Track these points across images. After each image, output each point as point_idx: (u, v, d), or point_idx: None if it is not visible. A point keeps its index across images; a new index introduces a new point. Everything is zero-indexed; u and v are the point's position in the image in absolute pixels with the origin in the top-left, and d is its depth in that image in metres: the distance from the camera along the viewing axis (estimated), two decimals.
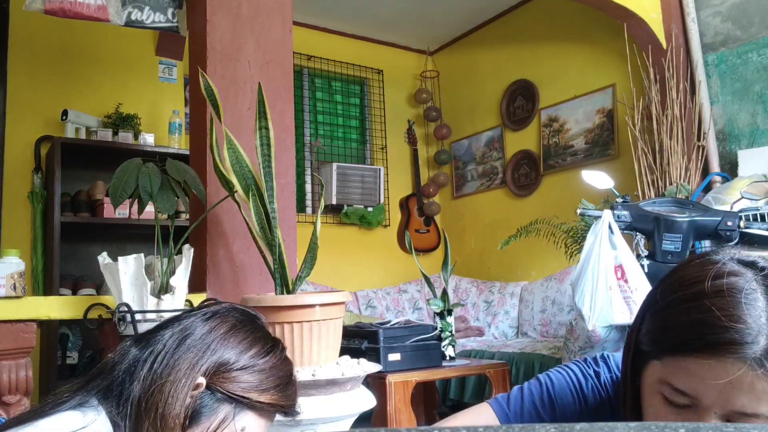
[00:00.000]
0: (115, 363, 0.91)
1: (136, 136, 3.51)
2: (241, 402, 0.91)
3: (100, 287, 3.25)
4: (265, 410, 0.94)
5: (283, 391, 0.97)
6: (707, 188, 3.06)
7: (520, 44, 4.58)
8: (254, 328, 0.99)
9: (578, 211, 2.16)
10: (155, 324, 1.00)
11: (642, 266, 1.95)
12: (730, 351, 0.69)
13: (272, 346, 0.99)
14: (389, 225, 4.98)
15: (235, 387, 0.91)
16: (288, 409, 0.99)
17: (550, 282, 4.00)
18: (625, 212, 2.02)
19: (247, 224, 1.61)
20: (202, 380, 0.89)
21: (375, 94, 5.12)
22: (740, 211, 2.23)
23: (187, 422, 0.87)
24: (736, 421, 0.69)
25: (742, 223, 1.95)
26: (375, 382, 2.15)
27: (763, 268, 0.74)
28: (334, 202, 4.55)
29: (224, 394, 0.90)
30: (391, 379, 2.17)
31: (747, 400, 0.69)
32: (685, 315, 0.74)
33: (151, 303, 1.51)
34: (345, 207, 4.65)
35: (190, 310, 1.00)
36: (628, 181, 3.35)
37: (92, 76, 3.55)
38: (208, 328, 0.94)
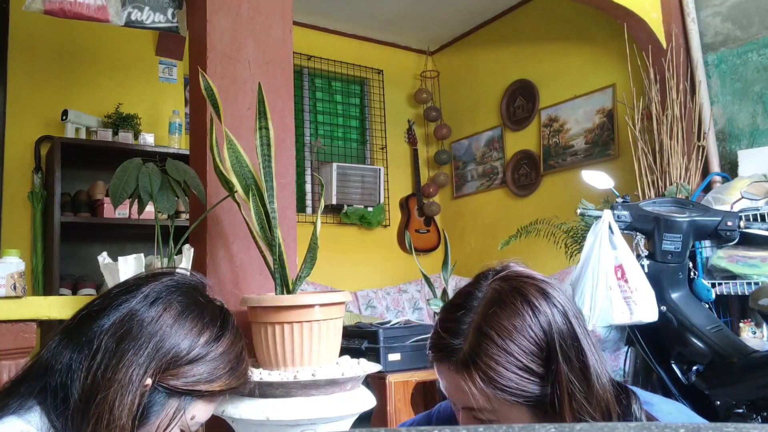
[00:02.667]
0: (48, 364, 0.83)
1: (136, 136, 3.51)
2: (191, 394, 0.86)
3: (100, 287, 3.25)
4: (216, 396, 0.90)
5: (234, 373, 0.91)
6: (707, 188, 3.06)
7: (520, 44, 4.58)
8: (201, 310, 0.90)
9: (578, 211, 2.16)
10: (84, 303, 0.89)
11: (642, 266, 1.95)
12: (441, 355, 0.81)
13: (221, 326, 0.91)
14: (389, 225, 4.98)
15: (185, 382, 0.85)
16: (239, 387, 0.94)
17: None
18: (625, 212, 2.02)
19: (247, 224, 1.61)
20: (149, 381, 0.83)
21: (375, 94, 5.12)
22: (740, 211, 2.23)
23: (135, 424, 0.82)
24: (475, 415, 0.78)
25: (742, 223, 1.95)
26: (375, 382, 2.15)
27: (502, 277, 0.84)
28: (334, 202, 4.55)
29: (174, 390, 0.84)
30: (391, 379, 2.17)
31: (462, 397, 0.78)
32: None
33: None
34: (345, 207, 4.65)
35: (126, 285, 0.88)
36: (628, 181, 3.35)
37: (92, 76, 3.55)
38: (151, 317, 0.84)
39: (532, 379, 0.78)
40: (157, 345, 0.84)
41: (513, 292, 0.82)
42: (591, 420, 0.76)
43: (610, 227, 1.95)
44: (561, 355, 0.78)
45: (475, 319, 0.81)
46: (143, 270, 1.52)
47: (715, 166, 3.17)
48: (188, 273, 0.97)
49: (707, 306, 2.23)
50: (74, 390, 0.80)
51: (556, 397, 0.77)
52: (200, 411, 0.88)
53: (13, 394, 0.81)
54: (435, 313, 2.49)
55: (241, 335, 0.96)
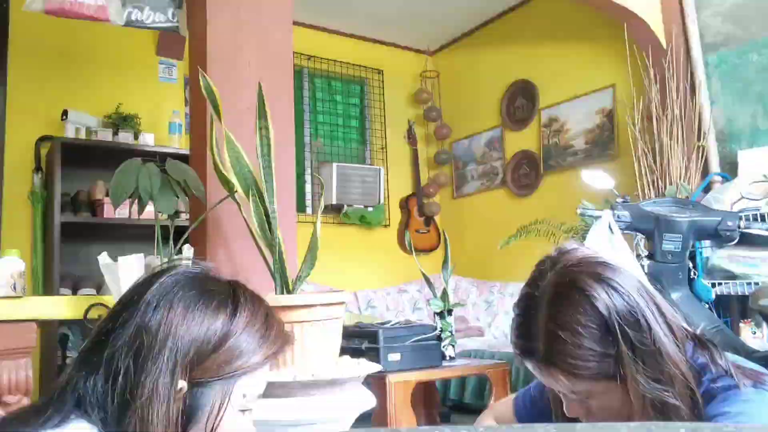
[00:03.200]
0: (71, 390, 0.79)
1: (136, 136, 3.51)
2: (229, 377, 0.83)
3: (100, 287, 3.25)
4: (258, 367, 0.86)
5: (266, 340, 0.88)
6: (707, 188, 3.06)
7: (520, 44, 4.58)
8: (209, 297, 0.86)
9: (578, 211, 2.16)
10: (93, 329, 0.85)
11: (642, 266, 1.95)
12: (526, 357, 0.90)
13: (233, 300, 0.88)
14: (389, 225, 4.98)
15: (219, 368, 0.82)
16: (280, 350, 0.90)
17: None
18: (625, 212, 2.02)
19: (247, 224, 1.61)
20: (182, 384, 0.80)
21: (375, 94, 5.12)
22: (740, 211, 2.23)
23: (182, 429, 0.80)
24: (573, 396, 0.89)
25: (742, 223, 1.95)
26: (375, 382, 2.14)
27: (558, 272, 0.91)
28: (334, 202, 4.54)
29: (210, 381, 0.82)
30: (391, 379, 2.17)
31: (560, 385, 0.88)
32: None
33: None
34: (345, 207, 4.64)
35: (129, 297, 0.85)
36: (628, 181, 3.35)
37: (92, 76, 3.55)
38: (158, 322, 0.81)
39: (607, 360, 0.84)
40: (174, 347, 0.80)
41: (569, 286, 0.88)
42: (668, 397, 0.83)
43: (610, 227, 1.95)
44: (622, 336, 0.83)
45: (543, 322, 0.88)
46: (143, 270, 1.52)
47: (715, 166, 3.17)
48: (189, 264, 0.94)
49: (707, 306, 2.23)
50: (107, 416, 0.77)
51: (623, 374, 0.83)
52: (249, 386, 0.85)
53: (44, 412, 0.77)
54: (435, 313, 2.49)
55: (261, 300, 0.93)
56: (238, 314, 0.87)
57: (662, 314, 0.88)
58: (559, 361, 0.85)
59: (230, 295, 0.89)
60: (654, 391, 0.83)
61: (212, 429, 0.82)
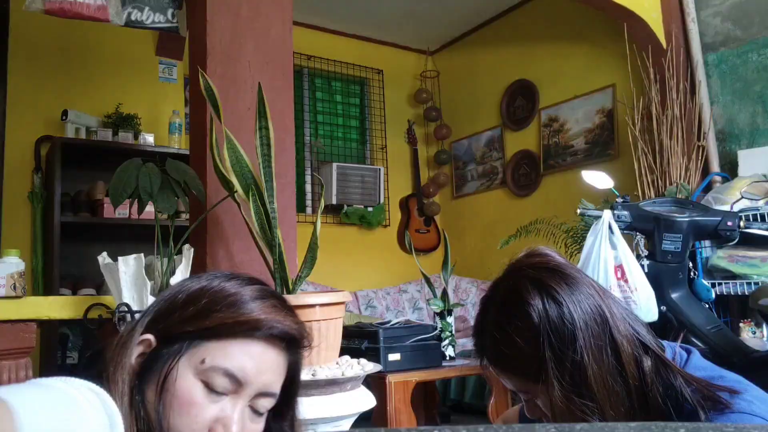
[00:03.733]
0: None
1: (136, 136, 3.51)
2: (193, 337, 0.78)
3: (100, 287, 3.25)
4: (228, 335, 0.79)
5: (232, 309, 0.80)
6: (707, 188, 3.06)
7: (520, 44, 4.58)
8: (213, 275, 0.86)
9: (578, 211, 2.16)
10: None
11: (642, 266, 1.94)
12: (479, 355, 0.96)
13: (220, 276, 0.86)
14: (389, 225, 4.98)
15: (182, 324, 0.79)
16: (264, 330, 0.80)
17: None
18: (625, 212, 2.02)
19: (247, 224, 1.61)
20: (147, 336, 0.80)
21: (375, 94, 5.12)
22: (740, 211, 2.23)
23: (138, 380, 0.78)
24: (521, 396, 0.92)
25: (742, 223, 1.95)
26: (375, 382, 2.15)
27: (508, 274, 0.99)
28: (334, 202, 4.55)
29: (168, 337, 0.79)
30: (391, 379, 2.17)
31: (507, 384, 0.93)
32: None
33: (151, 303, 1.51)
34: (345, 207, 4.65)
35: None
36: (628, 181, 3.35)
37: (92, 76, 3.55)
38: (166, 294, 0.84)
39: (533, 363, 0.87)
40: (155, 305, 0.84)
41: (512, 290, 0.93)
42: (585, 411, 0.83)
43: (610, 227, 1.95)
44: (548, 345, 0.86)
45: (489, 321, 0.93)
46: (143, 270, 1.52)
47: (715, 166, 3.17)
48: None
49: (707, 306, 2.23)
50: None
51: (543, 379, 0.86)
52: (214, 355, 0.78)
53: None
54: (435, 313, 2.49)
55: (262, 283, 0.88)
56: (221, 278, 0.85)
57: (609, 332, 0.87)
58: (495, 359, 0.91)
59: (225, 274, 0.87)
60: (569, 402, 0.84)
61: (160, 386, 0.77)
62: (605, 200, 2.98)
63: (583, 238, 2.44)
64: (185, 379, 0.77)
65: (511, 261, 1.01)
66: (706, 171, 3.17)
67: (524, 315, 0.88)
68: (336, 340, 1.58)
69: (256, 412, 0.81)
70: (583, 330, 0.86)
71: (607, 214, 1.97)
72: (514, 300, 0.90)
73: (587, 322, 0.87)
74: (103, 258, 1.56)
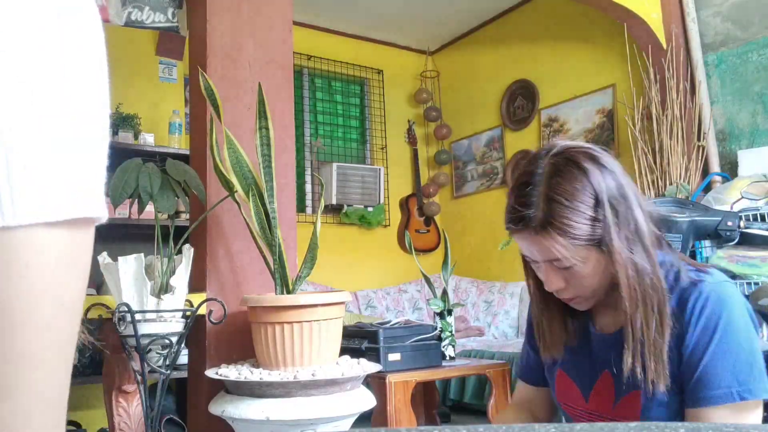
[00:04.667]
0: None
1: (136, 136, 3.51)
2: None
3: (100, 287, 3.25)
4: None
5: None
6: (707, 188, 3.06)
7: (520, 44, 4.58)
8: None
9: None
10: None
11: None
12: (521, 226, 1.00)
13: None
14: (389, 225, 4.98)
15: None
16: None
17: None
18: None
19: (247, 224, 1.61)
20: None
21: (375, 94, 5.12)
22: (740, 211, 2.23)
23: None
24: (557, 265, 1.01)
25: (742, 223, 1.95)
26: (375, 382, 2.15)
27: (555, 154, 1.01)
28: (334, 202, 4.55)
29: None
30: (391, 379, 2.17)
31: (548, 253, 0.99)
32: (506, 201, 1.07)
33: (151, 303, 1.51)
34: (345, 207, 4.65)
35: None
36: None
37: None
38: None
39: (596, 224, 0.97)
40: None
41: (567, 162, 1.00)
42: (642, 262, 0.98)
43: None
44: (610, 207, 0.98)
45: (542, 190, 0.99)
46: (143, 270, 1.52)
47: (715, 166, 3.17)
48: None
49: None
50: None
51: (608, 239, 0.97)
52: None
53: None
54: (435, 313, 2.49)
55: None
56: None
57: (638, 200, 1.02)
58: (556, 222, 0.97)
59: None
60: (630, 254, 0.97)
61: None
62: None
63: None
64: None
65: (539, 149, 1.08)
66: (706, 171, 3.17)
67: (587, 182, 0.98)
68: (336, 340, 1.58)
69: None
70: (630, 196, 1.00)
71: None
72: (573, 170, 0.99)
73: (630, 189, 1.01)
74: (103, 258, 1.56)
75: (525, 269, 1.15)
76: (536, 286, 1.13)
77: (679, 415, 1.00)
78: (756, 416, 0.95)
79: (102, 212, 0.35)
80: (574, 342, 1.13)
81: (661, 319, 0.97)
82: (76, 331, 0.33)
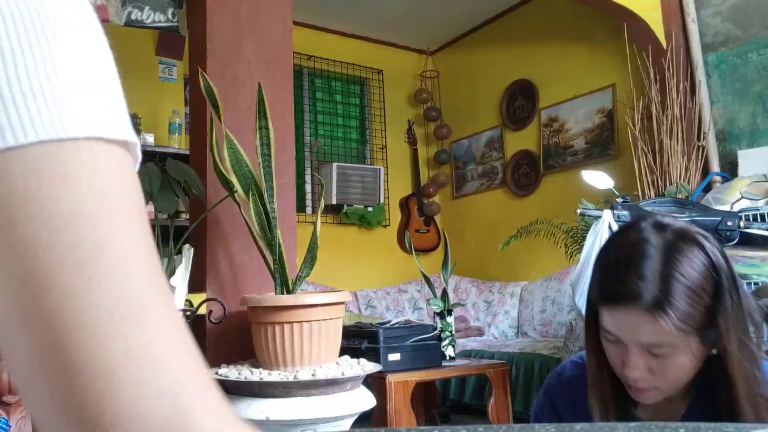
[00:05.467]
0: None
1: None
2: None
3: None
4: None
5: None
6: (707, 188, 3.05)
7: (520, 44, 4.58)
8: None
9: (578, 211, 2.16)
10: None
11: None
12: (627, 301, 0.91)
13: None
14: (389, 225, 4.98)
15: None
16: None
17: (550, 282, 4.00)
18: (625, 212, 2.02)
19: (247, 224, 1.61)
20: None
21: (375, 94, 5.12)
22: (740, 211, 2.23)
23: None
24: (652, 350, 0.92)
25: (742, 223, 1.95)
26: (375, 382, 2.15)
27: (667, 229, 0.94)
28: (334, 202, 4.55)
29: None
30: (391, 379, 2.17)
31: (649, 336, 0.90)
32: (602, 271, 0.97)
33: None
34: (345, 207, 4.65)
35: None
36: (628, 181, 3.35)
37: None
38: None
39: (706, 311, 0.90)
40: None
41: (684, 238, 0.93)
42: (746, 341, 0.91)
43: (610, 227, 1.95)
44: (726, 288, 0.90)
45: (657, 267, 0.90)
46: None
47: (715, 166, 3.17)
48: None
49: None
50: None
51: (720, 324, 0.90)
52: None
53: None
54: (435, 313, 2.49)
55: None
56: None
57: (746, 292, 0.96)
58: (674, 302, 0.88)
59: None
60: (744, 339, 0.90)
61: None
62: (605, 200, 2.98)
63: (583, 238, 2.44)
64: None
65: (636, 220, 1.01)
66: (706, 171, 3.17)
67: (707, 262, 0.91)
68: (336, 340, 1.58)
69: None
70: (737, 277, 0.94)
71: (607, 214, 1.97)
72: (693, 248, 0.92)
73: (732, 268, 0.95)
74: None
75: (588, 340, 1.02)
76: (598, 364, 1.01)
77: None
78: None
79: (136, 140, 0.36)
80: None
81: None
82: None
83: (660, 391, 0.94)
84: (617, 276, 0.93)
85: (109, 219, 0.29)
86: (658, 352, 0.91)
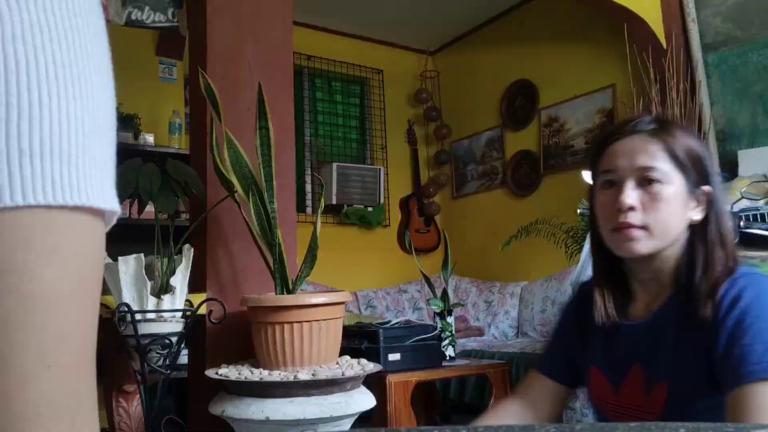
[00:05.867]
0: None
1: (136, 136, 3.51)
2: None
3: None
4: None
5: None
6: None
7: (520, 44, 4.58)
8: None
9: (578, 211, 2.16)
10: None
11: None
12: (629, 129, 1.06)
13: None
14: (389, 225, 4.98)
15: None
16: None
17: (550, 282, 4.00)
18: None
19: (247, 224, 1.61)
20: None
21: (375, 94, 5.12)
22: (740, 211, 2.23)
23: None
24: (645, 181, 1.03)
25: (742, 223, 1.95)
26: (375, 382, 2.14)
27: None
28: (334, 202, 4.55)
29: None
30: (391, 379, 2.17)
31: (645, 159, 1.03)
32: (602, 134, 1.15)
33: (151, 303, 1.51)
34: (345, 207, 4.65)
35: None
36: None
37: None
38: None
39: (695, 171, 1.05)
40: None
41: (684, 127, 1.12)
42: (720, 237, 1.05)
43: None
44: (712, 177, 1.07)
45: (655, 117, 1.09)
46: (143, 270, 1.52)
47: (715, 166, 3.17)
48: None
49: None
50: None
51: (706, 191, 1.05)
52: None
53: None
54: (435, 313, 2.49)
55: None
56: None
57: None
58: (672, 133, 1.04)
59: None
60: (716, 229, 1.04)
61: None
62: None
63: (583, 238, 2.44)
64: None
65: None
66: None
67: (699, 144, 1.09)
68: (336, 340, 1.58)
69: None
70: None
71: None
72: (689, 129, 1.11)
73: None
74: (103, 258, 1.56)
75: (592, 237, 1.16)
76: (599, 256, 1.15)
77: (706, 409, 0.98)
78: None
79: (116, 206, 0.35)
80: (607, 321, 1.14)
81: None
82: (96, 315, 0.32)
83: (649, 234, 1.02)
84: (617, 126, 1.10)
85: (77, 305, 0.29)
86: (652, 177, 1.02)
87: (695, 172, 1.05)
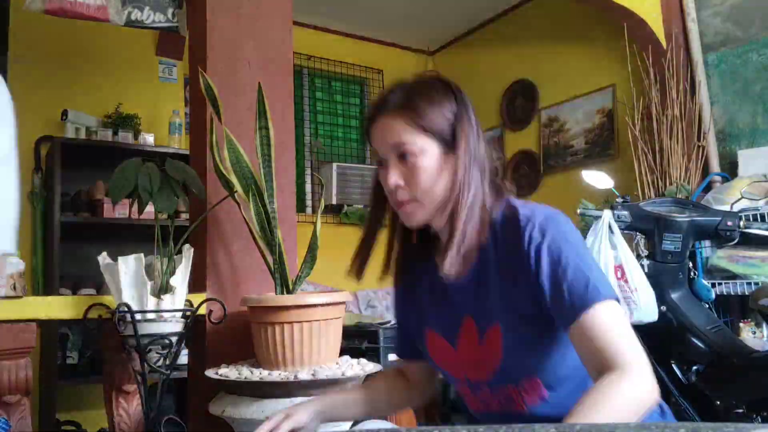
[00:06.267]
0: None
1: (136, 136, 3.51)
2: None
3: (100, 287, 3.25)
4: None
5: None
6: (707, 188, 3.05)
7: (520, 44, 4.57)
8: None
9: (578, 211, 2.16)
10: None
11: (642, 266, 1.94)
12: (378, 113, 1.09)
13: None
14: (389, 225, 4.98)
15: None
16: None
17: None
18: (625, 212, 2.02)
19: (247, 224, 1.61)
20: None
21: (375, 95, 5.12)
22: (740, 211, 2.23)
23: None
24: (402, 157, 1.07)
25: (742, 223, 1.95)
26: None
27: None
28: (334, 202, 4.54)
29: None
30: None
31: (395, 135, 1.06)
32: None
33: (151, 303, 1.51)
34: (345, 207, 4.64)
35: None
36: (628, 181, 3.35)
37: (92, 76, 3.55)
38: None
39: (451, 124, 1.07)
40: None
41: (439, 79, 1.12)
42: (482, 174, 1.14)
43: (610, 227, 1.95)
44: (467, 122, 1.09)
45: (406, 87, 1.10)
46: (143, 270, 1.52)
47: (715, 166, 3.17)
48: None
49: (707, 306, 2.23)
50: None
51: (458, 136, 1.07)
52: None
53: None
54: None
55: None
56: None
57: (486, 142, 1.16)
58: (410, 106, 1.05)
59: None
60: (468, 167, 1.08)
61: None
62: (605, 200, 2.98)
63: (583, 238, 2.44)
64: None
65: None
66: (706, 171, 3.17)
67: (451, 95, 1.08)
68: (336, 340, 1.58)
69: None
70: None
71: (607, 214, 1.97)
72: (441, 84, 1.09)
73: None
74: (103, 258, 1.57)
75: (373, 204, 1.25)
76: (376, 217, 1.27)
77: (539, 341, 1.02)
78: (621, 312, 0.97)
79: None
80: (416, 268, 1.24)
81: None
82: None
83: (419, 204, 1.08)
84: (370, 107, 1.13)
85: None
86: (407, 150, 1.05)
87: (447, 134, 1.07)
